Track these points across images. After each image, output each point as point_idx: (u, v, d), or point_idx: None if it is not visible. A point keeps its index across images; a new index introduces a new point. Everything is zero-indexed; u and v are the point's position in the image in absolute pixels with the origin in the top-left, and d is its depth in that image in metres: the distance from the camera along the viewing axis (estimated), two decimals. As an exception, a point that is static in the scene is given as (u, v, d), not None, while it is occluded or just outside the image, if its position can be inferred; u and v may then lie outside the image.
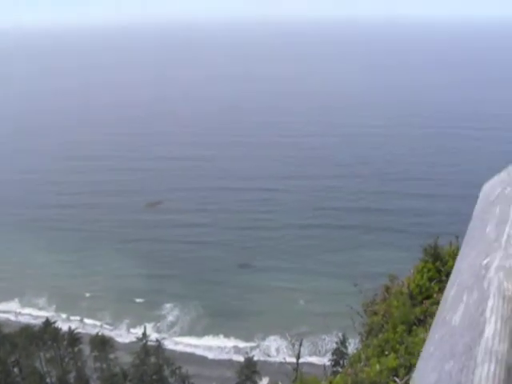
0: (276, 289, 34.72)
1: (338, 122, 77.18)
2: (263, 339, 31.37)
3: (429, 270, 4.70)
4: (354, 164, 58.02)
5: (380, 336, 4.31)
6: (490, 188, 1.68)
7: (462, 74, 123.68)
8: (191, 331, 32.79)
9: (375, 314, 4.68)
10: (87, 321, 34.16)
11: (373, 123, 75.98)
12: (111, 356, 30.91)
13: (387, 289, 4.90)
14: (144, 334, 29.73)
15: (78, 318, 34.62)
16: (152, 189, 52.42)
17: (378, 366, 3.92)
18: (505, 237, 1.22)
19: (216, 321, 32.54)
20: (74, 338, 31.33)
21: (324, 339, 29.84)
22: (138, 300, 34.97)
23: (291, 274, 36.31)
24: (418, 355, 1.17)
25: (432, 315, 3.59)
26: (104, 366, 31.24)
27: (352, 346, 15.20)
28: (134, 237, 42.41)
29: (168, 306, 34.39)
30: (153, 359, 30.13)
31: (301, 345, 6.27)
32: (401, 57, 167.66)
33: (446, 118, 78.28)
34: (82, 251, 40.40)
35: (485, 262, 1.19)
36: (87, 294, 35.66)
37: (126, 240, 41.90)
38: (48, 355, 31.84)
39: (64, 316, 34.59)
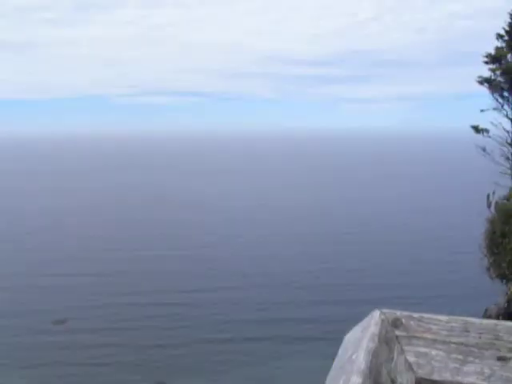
0: (191, 409, 33.21)
1: (236, 233, 78.52)
2: None
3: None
4: (256, 274, 58.28)
5: None
6: (345, 347, 1.81)
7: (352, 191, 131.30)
8: None
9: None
10: None
11: (272, 232, 78.05)
12: None
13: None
14: None
15: None
16: (57, 307, 49.62)
17: None
18: None
19: None
20: None
21: None
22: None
23: (207, 392, 35.00)
24: None
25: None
26: None
27: None
28: (38, 361, 39.26)
29: None
30: None
31: None
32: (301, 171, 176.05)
33: (358, 224, 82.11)
34: (-24, 381, 36.92)
35: None
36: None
37: (30, 365, 38.69)
38: None
39: None
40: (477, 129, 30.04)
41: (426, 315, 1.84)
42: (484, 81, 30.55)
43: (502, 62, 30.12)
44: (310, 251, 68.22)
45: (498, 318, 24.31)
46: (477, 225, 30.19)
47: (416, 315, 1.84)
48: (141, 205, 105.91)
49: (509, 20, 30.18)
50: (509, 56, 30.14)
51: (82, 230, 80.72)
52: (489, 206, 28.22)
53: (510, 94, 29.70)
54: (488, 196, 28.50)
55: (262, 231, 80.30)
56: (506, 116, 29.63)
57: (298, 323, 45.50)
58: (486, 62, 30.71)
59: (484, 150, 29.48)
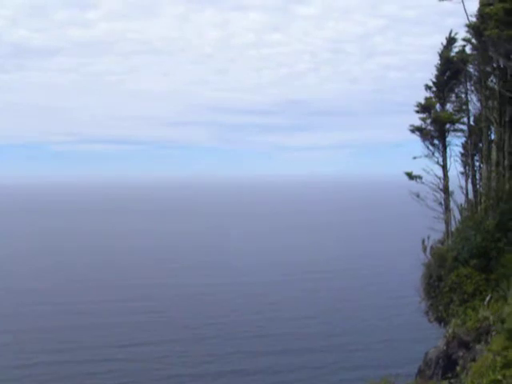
0: None
1: (182, 283, 77.07)
2: None
3: None
4: (200, 326, 56.92)
5: None
6: None
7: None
8: None
9: None
10: None
11: (212, 282, 77.19)
12: None
13: None
14: None
15: None
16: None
17: None
18: None
19: None
20: None
21: None
22: None
23: None
24: None
25: None
26: None
27: None
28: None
29: None
30: None
31: None
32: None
33: (297, 272, 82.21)
34: None
35: None
36: None
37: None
38: None
39: None
40: (410, 175, 31.10)
41: None
42: (415, 129, 31.86)
43: (432, 111, 31.58)
44: (254, 300, 67.60)
45: (437, 361, 24.59)
46: (415, 269, 30.82)
47: None
48: (75, 253, 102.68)
49: (436, 72, 31.90)
50: (437, 106, 31.67)
51: (11, 282, 76.99)
52: (424, 250, 28.97)
53: (439, 142, 31.05)
54: (423, 241, 29.30)
55: (203, 279, 79.10)
56: (437, 163, 30.87)
57: (241, 375, 44.48)
58: (417, 111, 32.14)
59: (418, 195, 30.47)
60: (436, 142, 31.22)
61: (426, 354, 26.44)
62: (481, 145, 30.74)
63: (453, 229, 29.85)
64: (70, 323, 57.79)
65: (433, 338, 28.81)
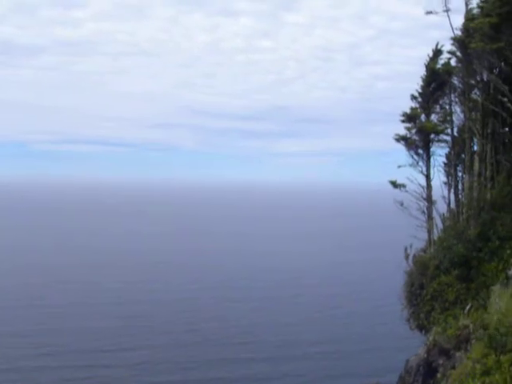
0: None
1: (157, 287, 76.55)
2: None
3: None
4: (184, 332, 56.39)
5: None
6: None
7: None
8: None
9: None
10: None
11: (198, 287, 76.97)
12: None
13: None
14: None
15: None
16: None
17: None
18: None
19: None
20: None
21: None
22: None
23: None
24: None
25: None
26: None
27: None
28: None
29: None
30: None
31: None
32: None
33: (284, 279, 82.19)
34: None
35: None
36: None
37: None
38: None
39: None
40: (394, 184, 31.45)
41: None
42: (400, 138, 32.25)
43: (417, 121, 31.99)
44: (239, 306, 67.38)
45: (418, 368, 24.83)
46: (398, 276, 31.08)
47: None
48: (55, 252, 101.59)
49: (421, 83, 32.33)
50: (422, 116, 32.08)
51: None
52: (407, 258, 29.28)
53: (423, 151, 31.45)
54: (405, 249, 29.61)
55: (189, 284, 78.78)
56: (421, 172, 31.25)
57: (227, 382, 44.01)
58: (403, 121, 32.54)
59: (401, 204, 30.81)
60: (420, 151, 31.61)
61: (407, 361, 26.69)
62: (463, 155, 31.19)
63: (435, 237, 30.19)
64: (49, 327, 56.84)
65: (414, 347, 29.05)
